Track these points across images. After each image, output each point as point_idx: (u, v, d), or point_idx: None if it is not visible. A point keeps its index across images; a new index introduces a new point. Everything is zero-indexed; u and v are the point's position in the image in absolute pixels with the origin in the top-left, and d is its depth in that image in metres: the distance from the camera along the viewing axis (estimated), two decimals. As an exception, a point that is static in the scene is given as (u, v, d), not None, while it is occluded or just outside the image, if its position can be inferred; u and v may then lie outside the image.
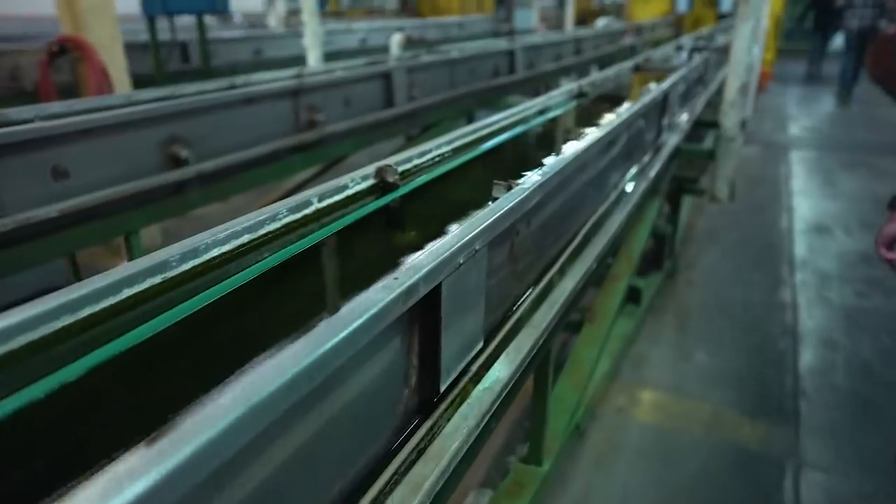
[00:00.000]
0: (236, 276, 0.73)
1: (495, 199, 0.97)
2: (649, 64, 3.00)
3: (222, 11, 4.06)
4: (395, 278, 0.62)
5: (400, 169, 1.08)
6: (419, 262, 0.67)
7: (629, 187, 1.81)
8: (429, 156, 1.19)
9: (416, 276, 0.63)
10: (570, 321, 2.01)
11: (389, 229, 1.01)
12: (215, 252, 0.75)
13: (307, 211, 0.89)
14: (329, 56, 5.82)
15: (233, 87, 2.26)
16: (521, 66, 4.24)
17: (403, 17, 11.69)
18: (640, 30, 8.27)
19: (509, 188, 0.96)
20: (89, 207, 1.61)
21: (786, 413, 2.32)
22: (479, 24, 8.89)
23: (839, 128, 7.24)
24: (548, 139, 1.64)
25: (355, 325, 0.55)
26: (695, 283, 3.38)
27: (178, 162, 1.82)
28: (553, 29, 8.68)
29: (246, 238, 0.80)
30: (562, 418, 1.41)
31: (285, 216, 0.86)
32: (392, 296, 0.59)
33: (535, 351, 0.92)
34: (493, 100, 3.88)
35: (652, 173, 1.99)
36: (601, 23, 8.13)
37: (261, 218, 0.83)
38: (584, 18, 12.07)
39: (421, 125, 3.23)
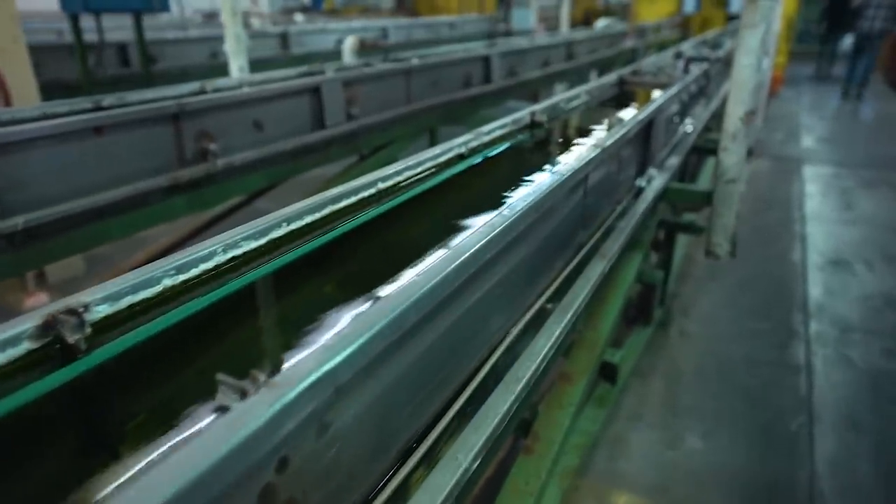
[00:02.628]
0: None
1: (224, 408, 0.48)
2: (637, 77, 2.49)
3: (159, 10, 3.58)
4: None
5: (96, 315, 0.59)
6: None
7: (592, 253, 1.32)
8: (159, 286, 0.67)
9: None
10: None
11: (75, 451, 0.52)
12: None
13: None
14: (299, 59, 5.35)
15: (98, 108, 1.78)
16: (499, 74, 3.73)
17: (399, 16, 11.22)
18: (642, 32, 7.74)
19: (241, 396, 0.47)
20: None
21: (799, 533, 1.81)
22: (472, 24, 8.39)
23: (857, 139, 6.69)
24: (459, 206, 1.15)
25: None
26: (690, 335, 2.87)
27: (-29, 218, 1.34)
28: (553, 30, 8.15)
29: None
30: None
31: None
32: None
33: None
34: (462, 113, 3.38)
35: (628, 228, 1.50)
36: (601, 24, 7.60)
37: None
38: (587, 19, 11.54)
39: (371, 146, 2.74)
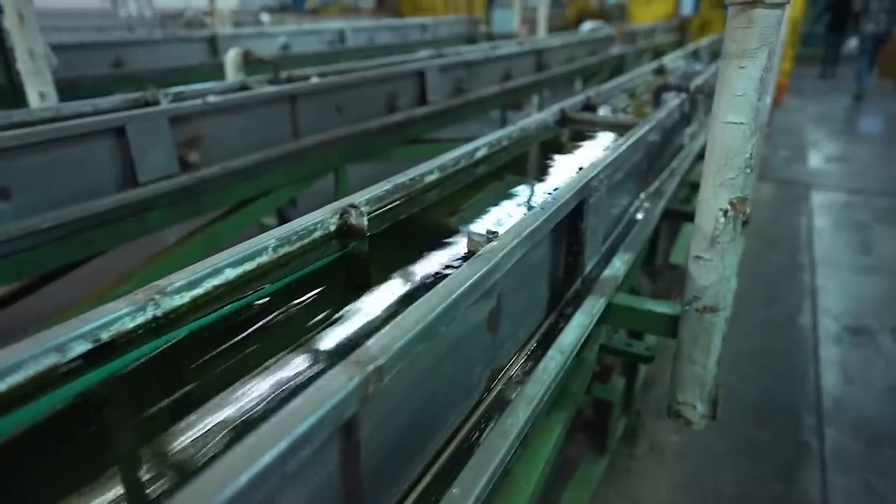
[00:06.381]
0: None
1: None
2: (586, 114, 1.77)
3: None
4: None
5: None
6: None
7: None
8: None
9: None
10: None
11: None
12: None
13: None
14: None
15: None
16: (440, 93, 3.02)
17: (381, 16, 10.49)
18: (633, 36, 6.99)
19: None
20: None
21: None
22: (448, 26, 7.65)
23: (869, 158, 5.95)
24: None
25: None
26: (665, 452, 2.16)
27: None
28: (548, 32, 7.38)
29: None
30: None
31: None
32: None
33: None
34: (381, 147, 2.67)
35: (544, 380, 0.81)
36: (586, 27, 6.87)
37: None
38: (580, 21, 10.79)
39: (227, 202, 2.03)
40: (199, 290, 0.67)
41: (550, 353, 0.88)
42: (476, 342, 0.80)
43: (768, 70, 0.90)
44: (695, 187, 2.22)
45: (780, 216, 4.42)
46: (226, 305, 0.69)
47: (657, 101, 1.98)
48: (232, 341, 0.66)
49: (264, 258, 0.76)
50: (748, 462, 2.10)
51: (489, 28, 8.41)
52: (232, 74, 2.52)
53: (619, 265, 1.18)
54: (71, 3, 14.76)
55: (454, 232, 1.00)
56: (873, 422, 2.29)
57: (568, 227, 1.09)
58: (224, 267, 0.70)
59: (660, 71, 2.93)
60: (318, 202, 1.10)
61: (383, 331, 0.55)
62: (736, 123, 0.93)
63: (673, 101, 1.77)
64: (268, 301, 0.73)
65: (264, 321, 0.71)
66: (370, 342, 0.54)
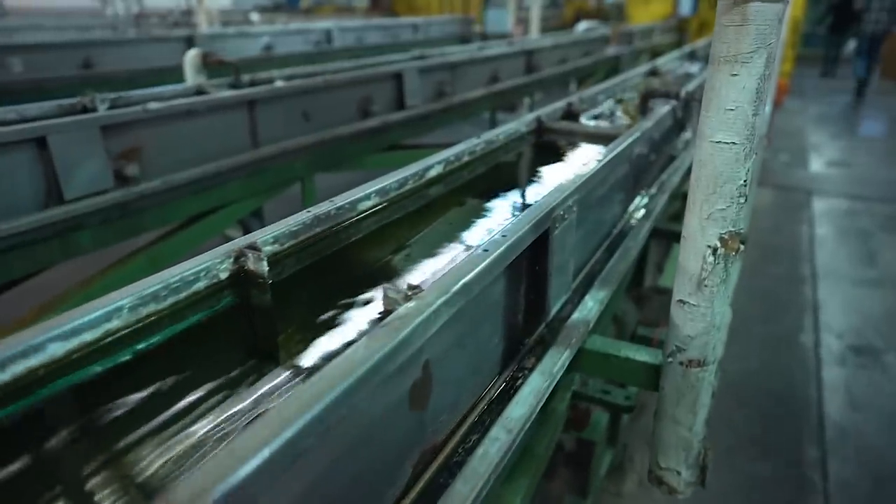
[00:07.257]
0: None
1: None
2: (566, 123, 1.59)
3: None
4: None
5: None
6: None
7: None
8: None
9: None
10: None
11: None
12: None
13: None
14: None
15: None
16: (419, 96, 2.84)
17: (374, 16, 10.32)
18: (630, 36, 6.81)
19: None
20: None
21: None
22: (440, 26, 7.47)
23: (871, 162, 5.77)
24: None
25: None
26: (654, 488, 1.98)
27: None
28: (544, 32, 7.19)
29: None
30: None
31: None
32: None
33: None
34: (350, 154, 2.50)
35: (481, 472, 0.64)
36: (581, 27, 6.69)
37: None
38: (578, 21, 10.61)
39: (174, 218, 1.86)
40: (1, 378, 0.50)
41: (494, 431, 0.71)
42: (394, 427, 0.62)
43: (766, 78, 0.73)
44: (674, 228, 2.06)
45: (779, 224, 4.25)
46: (39, 397, 0.52)
47: (644, 109, 1.81)
48: (31, 458, 0.49)
49: (115, 323, 0.59)
50: (745, 500, 1.93)
51: (483, 28, 8.24)
52: (191, 77, 2.35)
53: (591, 305, 1.01)
54: (66, 3, 14.60)
55: (385, 279, 0.83)
56: (880, 454, 2.11)
57: (527, 264, 0.92)
58: (47, 341, 0.53)
59: (653, 73, 2.76)
60: (290, 211, 0.93)
61: (213, 458, 0.38)
62: (727, 143, 0.76)
63: (661, 109, 1.60)
64: (108, 388, 0.56)
65: (92, 425, 0.54)
66: (186, 481, 0.36)
